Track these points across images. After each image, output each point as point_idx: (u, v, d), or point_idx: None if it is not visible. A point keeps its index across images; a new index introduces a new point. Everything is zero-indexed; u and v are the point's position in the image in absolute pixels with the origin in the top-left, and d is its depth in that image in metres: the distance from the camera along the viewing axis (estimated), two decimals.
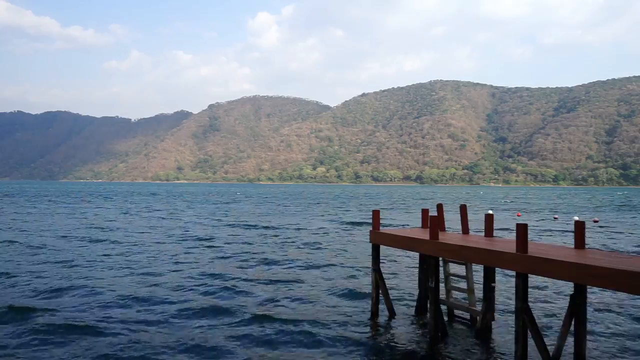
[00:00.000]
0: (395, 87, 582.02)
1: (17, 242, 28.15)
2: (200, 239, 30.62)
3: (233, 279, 18.43)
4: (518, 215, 54.42)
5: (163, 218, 48.36)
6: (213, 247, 27.31)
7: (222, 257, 23.57)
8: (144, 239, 30.98)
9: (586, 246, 10.24)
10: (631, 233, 36.57)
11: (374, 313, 13.30)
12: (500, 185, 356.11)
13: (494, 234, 12.59)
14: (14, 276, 18.55)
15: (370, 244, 13.66)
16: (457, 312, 13.50)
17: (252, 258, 23.38)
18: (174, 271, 19.99)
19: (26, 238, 30.26)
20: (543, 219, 50.18)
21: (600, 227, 41.28)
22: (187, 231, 35.75)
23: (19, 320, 12.87)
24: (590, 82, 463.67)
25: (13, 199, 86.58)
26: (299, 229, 38.28)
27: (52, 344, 11.26)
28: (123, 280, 18.08)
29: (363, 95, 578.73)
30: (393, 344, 11.43)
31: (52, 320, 12.80)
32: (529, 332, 9.24)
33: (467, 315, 13.15)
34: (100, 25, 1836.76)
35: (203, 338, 11.68)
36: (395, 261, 22.52)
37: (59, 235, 32.12)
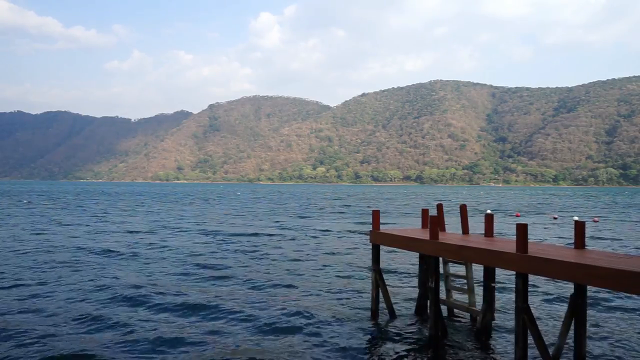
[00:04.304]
0: (396, 87, 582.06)
1: None
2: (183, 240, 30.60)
3: (228, 278, 18.44)
4: (517, 216, 54.41)
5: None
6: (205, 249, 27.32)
7: (217, 264, 23.58)
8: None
9: (586, 246, 10.23)
10: (632, 233, 36.56)
11: (374, 313, 13.29)
12: (500, 185, 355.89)
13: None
14: None
15: (370, 244, 13.66)
16: (457, 312, 13.50)
17: (253, 259, 23.40)
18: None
19: None
20: (541, 218, 50.19)
21: (600, 227, 41.27)
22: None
23: None
24: (590, 82, 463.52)
25: None
26: (299, 229, 38.27)
27: None
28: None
29: (363, 95, 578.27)
30: (393, 344, 11.43)
31: None
32: (529, 332, 9.24)
33: (467, 315, 13.15)
34: (103, 26, 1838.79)
35: (194, 340, 11.69)
36: (395, 261, 22.51)
37: None
